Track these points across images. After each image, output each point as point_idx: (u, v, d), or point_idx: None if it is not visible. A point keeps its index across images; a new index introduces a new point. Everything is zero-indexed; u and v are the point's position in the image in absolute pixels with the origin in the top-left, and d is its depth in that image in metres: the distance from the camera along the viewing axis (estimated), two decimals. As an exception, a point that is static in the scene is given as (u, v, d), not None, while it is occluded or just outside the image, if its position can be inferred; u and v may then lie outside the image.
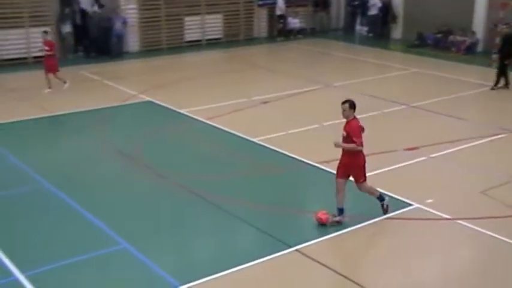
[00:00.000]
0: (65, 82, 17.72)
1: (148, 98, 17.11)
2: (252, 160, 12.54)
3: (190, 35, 25.43)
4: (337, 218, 9.60)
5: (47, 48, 17.48)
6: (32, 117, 15.35)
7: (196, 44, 25.37)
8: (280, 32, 27.24)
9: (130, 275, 8.29)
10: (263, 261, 8.63)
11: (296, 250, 8.90)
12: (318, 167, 12.06)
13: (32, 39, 21.60)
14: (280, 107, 16.47)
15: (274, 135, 13.91)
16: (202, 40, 25.65)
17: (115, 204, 10.45)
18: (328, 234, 9.39)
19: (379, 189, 10.29)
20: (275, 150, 12.95)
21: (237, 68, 21.62)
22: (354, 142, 9.32)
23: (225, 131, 14.27)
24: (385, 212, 9.89)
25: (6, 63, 21.14)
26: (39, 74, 18.02)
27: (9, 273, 8.18)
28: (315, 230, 9.56)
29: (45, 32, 18.02)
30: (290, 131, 14.21)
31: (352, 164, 9.50)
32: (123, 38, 23.48)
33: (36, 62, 21.49)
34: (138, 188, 11.15)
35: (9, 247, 8.81)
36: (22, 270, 8.21)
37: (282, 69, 21.20)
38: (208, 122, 14.93)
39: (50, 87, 17.49)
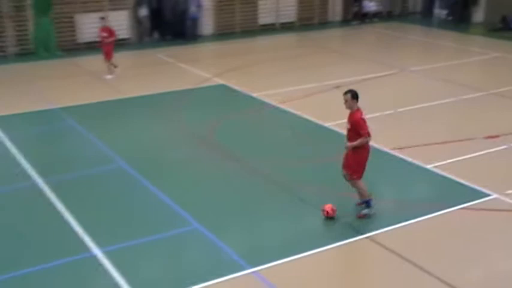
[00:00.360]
0: (114, 68, 17.68)
1: (221, 82, 17.24)
2: (323, 145, 12.43)
3: (264, 19, 25.38)
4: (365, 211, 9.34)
5: (105, 34, 17.44)
6: (109, 99, 15.80)
7: (270, 28, 25.30)
8: (355, 15, 26.76)
9: (202, 256, 8.43)
10: (333, 247, 8.57)
11: (367, 237, 8.77)
12: (390, 154, 11.82)
13: (111, 23, 22.15)
14: (354, 91, 16.20)
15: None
16: (276, 24, 25.56)
17: (188, 186, 10.62)
18: (401, 222, 9.20)
19: (454, 177, 9.98)
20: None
21: (310, 52, 21.44)
22: (360, 135, 8.95)
23: (297, 115, 14.21)
24: (360, 216, 9.28)
25: (86, 46, 21.82)
26: (117, 57, 18.46)
27: (88, 248, 8.49)
28: (388, 217, 9.39)
29: (103, 18, 18.08)
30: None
31: (352, 158, 9.16)
32: (198, 21, 23.72)
33: (114, 45, 22.11)
34: (211, 170, 11.27)
35: (88, 223, 9.14)
36: (100, 246, 8.51)
37: (356, 54, 20.86)
38: (280, 106, 14.90)
39: (115, 66, 17.70)
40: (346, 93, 9.14)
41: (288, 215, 9.56)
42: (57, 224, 9.25)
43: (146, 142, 12.81)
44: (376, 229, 8.98)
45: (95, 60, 19.94)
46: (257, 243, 8.82)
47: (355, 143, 9.04)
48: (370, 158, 11.86)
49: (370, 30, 25.34)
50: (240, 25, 24.85)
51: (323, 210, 9.30)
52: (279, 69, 18.79)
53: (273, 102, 15.20)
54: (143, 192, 10.33)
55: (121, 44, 22.21)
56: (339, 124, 13.38)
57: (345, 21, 26.83)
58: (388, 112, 14.31)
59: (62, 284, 7.78)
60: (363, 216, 9.30)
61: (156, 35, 23.61)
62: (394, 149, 11.95)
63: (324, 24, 26.37)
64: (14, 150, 12.14)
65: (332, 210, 9.27)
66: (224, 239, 8.70)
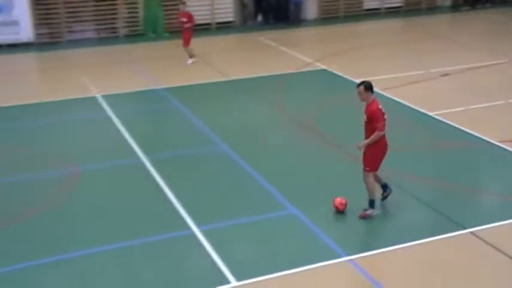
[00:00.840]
0: (190, 57, 17.53)
1: (323, 66, 17.07)
2: (427, 134, 12.04)
3: (368, 3, 24.84)
4: (368, 212, 8.86)
5: (184, 20, 17.27)
6: (212, 80, 16.09)
7: (375, 12, 24.73)
8: (466, 0, 25.58)
9: (297, 241, 8.41)
10: (433, 240, 8.29)
11: (471, 232, 8.40)
12: (499, 146, 11.25)
13: (216, 6, 22.57)
14: (461, 80, 15.55)
15: (453, 110, 13.18)
16: (381, 8, 24.94)
17: (287, 170, 10.61)
18: (508, 219, 8.73)
19: None
20: (453, 126, 12.29)
21: (416, 38, 20.74)
22: (375, 128, 8.49)
23: (400, 103, 13.82)
24: (362, 216, 8.81)
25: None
26: (221, 40, 18.77)
27: (187, 226, 8.72)
28: (494, 212, 8.96)
29: (184, 3, 17.73)
30: (471, 107, 13.38)
31: (369, 150, 8.68)
32: (301, 6, 23.58)
33: (219, 28, 22.49)
34: (309, 155, 11.22)
35: (187, 201, 9.38)
36: (198, 225, 8.71)
37: (465, 41, 19.94)
38: (383, 93, 14.52)
39: (190, 56, 17.60)
40: (359, 85, 8.68)
41: (387, 205, 9.33)
42: (158, 200, 9.57)
43: (246, 125, 12.94)
44: (481, 224, 8.58)
45: (199, 42, 20.35)
46: (354, 232, 8.68)
47: (367, 141, 8.62)
48: (477, 150, 11.38)
49: (482, 16, 24.14)
50: (344, 9, 24.46)
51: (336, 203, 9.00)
52: (382, 55, 18.34)
53: (376, 88, 14.81)
54: (242, 174, 10.45)
55: (225, 27, 22.59)
56: (445, 113, 12.95)
57: (455, 7, 25.72)
58: (498, 102, 13.62)
59: (160, 258, 8.03)
60: (366, 216, 8.83)
61: (259, 18, 23.74)
62: (503, 141, 11.36)
63: (432, 9, 25.41)
64: (120, 127, 12.66)
65: (341, 204, 8.95)
66: (321, 226, 8.64)
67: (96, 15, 21.61)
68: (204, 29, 22.21)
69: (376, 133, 8.54)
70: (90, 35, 21.59)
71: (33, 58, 19.79)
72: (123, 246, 8.27)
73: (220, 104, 14.40)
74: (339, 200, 8.99)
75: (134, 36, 21.59)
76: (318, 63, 17.42)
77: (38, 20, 20.87)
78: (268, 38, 20.79)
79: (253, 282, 7.43)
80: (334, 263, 7.78)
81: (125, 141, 11.93)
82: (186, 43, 17.50)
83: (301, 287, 7.46)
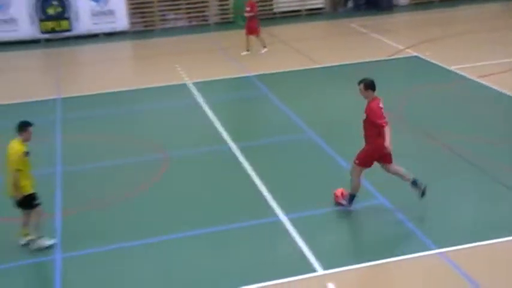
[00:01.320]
0: (264, 47, 17.32)
1: (415, 53, 16.59)
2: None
3: (466, -13, 23.82)
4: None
5: (248, 9, 17.11)
6: (301, 68, 16.02)
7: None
8: None
9: (385, 231, 8.28)
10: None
11: None
12: None
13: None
14: None
15: (557, 98, 12.47)
16: (480, -8, 23.88)
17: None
18: None
19: None
20: (556, 116, 11.62)
21: (516, 23, 19.72)
22: (376, 126, 8.19)
23: (498, 91, 13.19)
24: (336, 201, 8.68)
25: (281, 16, 22.30)
26: (311, 27, 18.62)
27: (274, 213, 8.76)
28: None
29: None
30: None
31: (369, 144, 8.47)
32: (393, -9, 23.03)
33: (309, 14, 22.36)
34: (400, 145, 10.86)
35: (276, 190, 9.40)
36: (285, 212, 8.72)
37: None
38: (479, 80, 13.95)
39: (248, 50, 17.34)
40: (359, 82, 8.44)
41: (480, 197, 8.97)
42: (246, 187, 9.66)
43: (335, 112, 12.79)
44: None
45: (289, 30, 20.37)
46: (445, 224, 8.39)
47: (388, 140, 8.25)
48: None
49: None
50: (439, -6, 23.62)
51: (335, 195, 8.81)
52: (479, 41, 17.56)
53: (471, 76, 14.27)
54: (330, 162, 10.36)
55: (315, 14, 22.42)
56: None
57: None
58: None
59: (248, 244, 8.13)
60: (339, 204, 8.66)
61: (350, 4, 23.40)
62: None
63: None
64: (210, 114, 12.86)
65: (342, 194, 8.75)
66: (411, 217, 8.43)
67: (187, 3, 22.06)
68: (294, 15, 22.15)
69: (385, 130, 8.29)
70: (182, 23, 22.07)
71: (128, 46, 20.51)
72: (210, 232, 8.40)
73: (309, 91, 14.32)
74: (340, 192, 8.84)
75: (224, 24, 21.86)
76: (409, 50, 16.94)
77: (133, 9, 21.56)
78: (359, 25, 20.43)
79: (340, 272, 7.36)
80: (424, 255, 7.57)
81: (214, 128, 12.12)
82: (255, 32, 17.22)
83: (388, 278, 7.33)
